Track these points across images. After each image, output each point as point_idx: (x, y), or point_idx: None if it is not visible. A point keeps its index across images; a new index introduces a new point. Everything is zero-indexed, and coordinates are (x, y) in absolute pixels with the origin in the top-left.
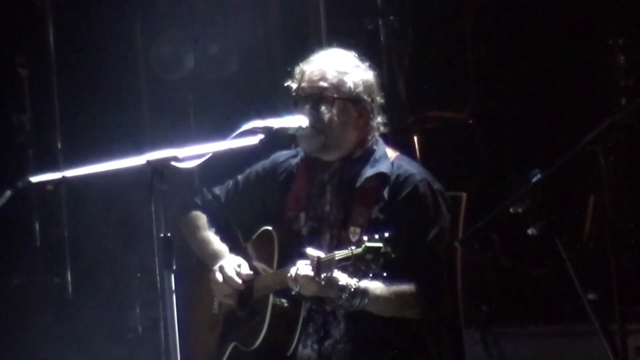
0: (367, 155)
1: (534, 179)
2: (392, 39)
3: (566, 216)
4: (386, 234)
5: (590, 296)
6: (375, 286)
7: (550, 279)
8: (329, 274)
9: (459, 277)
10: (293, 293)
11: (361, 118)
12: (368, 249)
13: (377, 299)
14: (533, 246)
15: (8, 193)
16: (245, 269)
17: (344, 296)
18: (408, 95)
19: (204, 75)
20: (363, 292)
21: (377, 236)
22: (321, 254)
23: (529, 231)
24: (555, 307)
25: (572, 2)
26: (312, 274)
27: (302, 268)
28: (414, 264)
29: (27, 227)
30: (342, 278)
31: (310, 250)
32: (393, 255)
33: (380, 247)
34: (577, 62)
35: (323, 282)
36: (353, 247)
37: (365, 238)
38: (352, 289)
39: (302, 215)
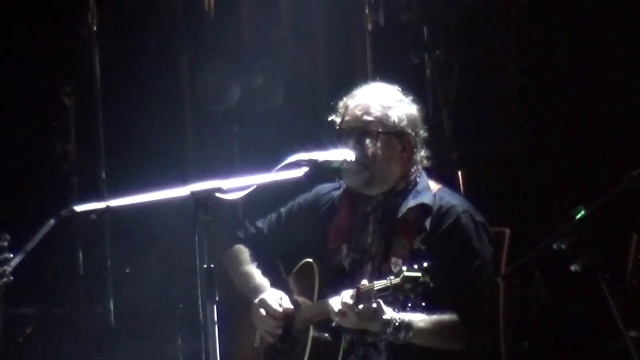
0: (409, 187)
1: (578, 216)
2: (438, 73)
3: (609, 253)
4: (424, 264)
5: (633, 334)
6: (419, 319)
7: (592, 316)
8: (368, 305)
9: (501, 312)
10: (334, 325)
11: (405, 152)
12: (406, 278)
13: (421, 331)
14: (575, 283)
15: (52, 222)
16: (287, 302)
17: (388, 330)
18: (453, 130)
19: (249, 108)
20: (408, 326)
21: (415, 266)
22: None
23: (572, 268)
24: (597, 345)
25: (618, 37)
26: (350, 303)
27: (341, 300)
28: (456, 295)
29: (70, 256)
30: (387, 312)
31: (345, 292)
32: (431, 285)
33: (418, 277)
34: (623, 98)
35: (362, 313)
36: (392, 277)
37: (404, 268)
38: (397, 323)
39: (344, 248)
